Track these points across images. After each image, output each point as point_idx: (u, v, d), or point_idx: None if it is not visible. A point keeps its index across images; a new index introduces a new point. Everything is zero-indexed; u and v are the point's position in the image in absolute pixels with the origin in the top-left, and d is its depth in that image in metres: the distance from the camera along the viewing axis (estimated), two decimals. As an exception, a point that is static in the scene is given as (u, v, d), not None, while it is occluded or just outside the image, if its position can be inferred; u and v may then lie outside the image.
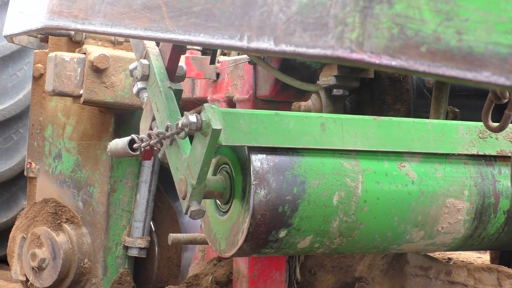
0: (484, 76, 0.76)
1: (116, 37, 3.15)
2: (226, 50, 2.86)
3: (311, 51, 0.88)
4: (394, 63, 0.80)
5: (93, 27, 1.49)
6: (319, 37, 0.87)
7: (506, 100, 1.76)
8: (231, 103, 2.72)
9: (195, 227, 3.42)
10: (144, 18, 1.26)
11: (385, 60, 0.81)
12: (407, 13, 0.81)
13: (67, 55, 3.04)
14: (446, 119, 2.62)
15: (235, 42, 1.03)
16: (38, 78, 3.36)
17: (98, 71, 3.01)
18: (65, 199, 3.24)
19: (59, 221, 3.20)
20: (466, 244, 2.21)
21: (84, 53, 3.06)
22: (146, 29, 1.26)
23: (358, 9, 0.84)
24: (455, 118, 2.74)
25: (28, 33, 2.07)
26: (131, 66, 2.27)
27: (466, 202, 2.13)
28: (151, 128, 2.17)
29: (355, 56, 0.82)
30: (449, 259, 4.05)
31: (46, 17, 1.65)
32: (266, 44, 0.96)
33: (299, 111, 2.81)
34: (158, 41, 2.12)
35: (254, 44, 0.98)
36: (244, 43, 1.00)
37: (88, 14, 1.47)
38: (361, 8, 0.83)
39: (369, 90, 2.92)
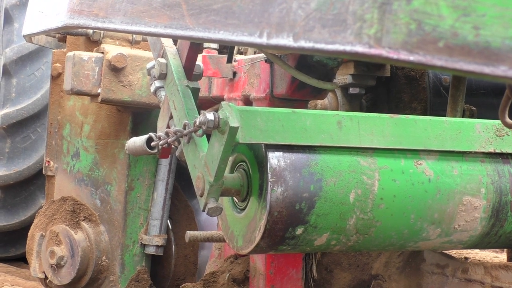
0: (501, 70, 0.77)
1: (134, 37, 3.17)
2: (246, 47, 2.88)
3: (330, 47, 0.89)
4: (412, 58, 0.81)
5: (113, 26, 1.50)
6: (338, 33, 0.88)
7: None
8: (247, 102, 2.74)
9: (212, 225, 3.44)
10: (164, 16, 1.28)
11: (403, 55, 0.82)
12: (425, 9, 0.82)
13: (85, 55, 3.07)
14: (462, 117, 2.62)
15: (254, 39, 1.04)
16: (56, 77, 3.39)
17: (115, 70, 3.04)
18: (83, 197, 3.27)
19: (77, 219, 3.23)
20: (483, 242, 2.21)
21: (102, 52, 3.09)
22: (166, 27, 1.28)
23: (376, 6, 0.85)
24: (471, 116, 2.73)
25: (47, 32, 2.09)
26: (148, 65, 2.29)
27: (483, 200, 2.13)
28: (168, 127, 2.19)
29: (374, 51, 0.84)
30: (466, 258, 4.04)
31: (67, 16, 1.67)
32: (285, 40, 0.97)
33: (315, 109, 2.82)
34: (178, 39, 2.14)
35: (274, 41, 1.00)
36: (263, 40, 1.02)
37: (109, 12, 1.49)
38: (380, 4, 0.84)
39: (385, 89, 2.92)
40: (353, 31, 0.86)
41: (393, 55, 0.82)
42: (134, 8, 1.40)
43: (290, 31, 0.96)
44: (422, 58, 0.80)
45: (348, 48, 0.87)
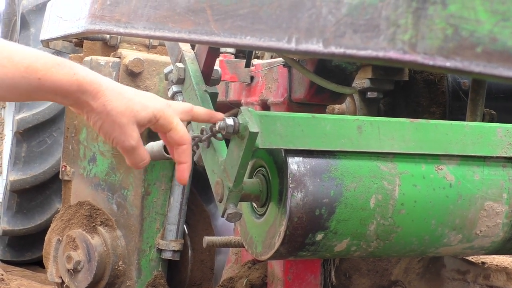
0: (542, 76, 0.75)
1: (150, 41, 3.17)
2: (273, 52, 2.86)
3: (362, 52, 0.88)
4: (448, 64, 0.79)
5: (135, 31, 1.49)
6: (371, 39, 0.87)
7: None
8: (265, 106, 2.73)
9: (228, 230, 3.43)
10: (188, 21, 1.27)
11: (439, 61, 0.80)
12: (462, 14, 0.80)
13: (102, 59, 3.07)
14: (482, 122, 2.59)
15: (283, 45, 1.03)
16: (73, 82, 3.38)
17: (132, 74, 3.04)
18: (99, 202, 3.27)
19: (93, 224, 3.23)
20: (505, 247, 2.19)
21: (119, 57, 3.09)
22: (190, 33, 1.27)
23: (411, 10, 0.83)
24: (491, 120, 2.70)
25: (67, 37, 2.09)
26: (166, 70, 2.28)
27: (505, 205, 2.11)
28: (186, 131, 2.17)
29: (408, 57, 0.82)
30: (483, 263, 4.01)
31: (88, 21, 1.67)
32: (315, 46, 0.96)
33: (333, 114, 2.80)
34: (203, 44, 2.13)
35: (303, 46, 0.98)
36: (292, 45, 1.00)
37: (131, 18, 1.48)
38: (414, 9, 0.83)
39: (403, 93, 2.90)
40: (387, 36, 0.84)
41: (429, 61, 0.80)
42: (157, 14, 1.39)
43: (320, 37, 0.94)
44: (459, 64, 0.79)
45: (381, 54, 0.85)
